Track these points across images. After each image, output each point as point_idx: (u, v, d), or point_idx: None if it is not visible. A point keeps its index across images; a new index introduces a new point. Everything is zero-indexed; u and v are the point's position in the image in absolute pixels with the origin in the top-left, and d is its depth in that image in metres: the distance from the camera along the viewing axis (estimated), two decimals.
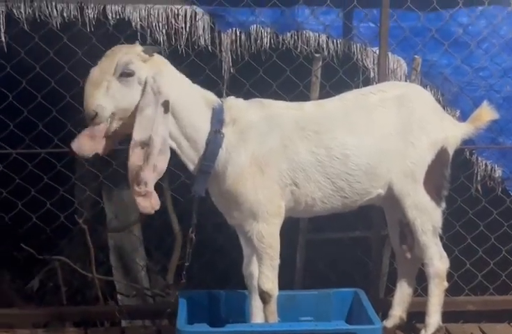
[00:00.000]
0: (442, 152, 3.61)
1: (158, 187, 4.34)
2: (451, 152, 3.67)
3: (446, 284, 3.74)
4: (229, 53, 4.20)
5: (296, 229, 4.30)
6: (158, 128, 3.19)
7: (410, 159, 3.55)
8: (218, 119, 3.33)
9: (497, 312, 4.31)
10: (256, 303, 3.68)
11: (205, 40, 4.17)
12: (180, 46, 4.14)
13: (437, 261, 3.68)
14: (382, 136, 3.51)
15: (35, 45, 4.03)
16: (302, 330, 3.37)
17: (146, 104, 3.18)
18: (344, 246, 4.63)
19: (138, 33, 4.09)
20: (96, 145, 3.20)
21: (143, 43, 4.03)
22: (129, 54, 3.19)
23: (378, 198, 3.62)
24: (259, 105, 3.46)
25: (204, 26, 4.15)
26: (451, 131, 3.64)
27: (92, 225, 4.59)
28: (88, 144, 3.20)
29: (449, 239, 4.38)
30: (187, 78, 3.36)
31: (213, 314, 3.83)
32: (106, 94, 3.16)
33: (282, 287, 3.57)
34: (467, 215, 4.40)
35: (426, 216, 3.62)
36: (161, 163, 3.24)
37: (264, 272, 3.46)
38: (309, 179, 3.43)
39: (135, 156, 3.21)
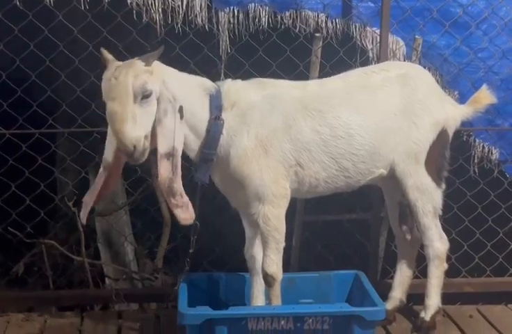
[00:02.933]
0: (442, 133, 3.61)
1: (147, 173, 4.35)
2: (450, 133, 3.67)
3: (446, 265, 3.74)
4: (227, 32, 4.12)
5: (292, 211, 4.27)
6: (180, 137, 3.15)
7: (413, 139, 3.53)
8: (215, 105, 3.28)
9: (495, 293, 4.32)
10: (257, 286, 3.66)
11: (202, 19, 4.06)
12: (177, 24, 4.04)
13: (437, 243, 3.68)
14: (385, 115, 3.48)
15: (29, 23, 3.93)
16: (305, 312, 3.35)
17: (163, 114, 3.13)
18: (342, 228, 4.61)
19: (134, 11, 3.98)
20: None
21: (139, 21, 3.99)
22: (139, 76, 3.07)
23: (379, 178, 3.60)
24: (259, 85, 3.40)
25: (201, 5, 4.05)
26: (451, 112, 3.64)
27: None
28: None
29: (447, 221, 4.37)
30: (176, 71, 3.29)
31: (213, 296, 3.81)
32: (135, 125, 3.06)
33: None
34: (464, 197, 4.39)
35: (427, 198, 3.61)
36: None
37: (269, 255, 3.43)
38: (314, 160, 3.39)
39: (164, 169, 3.15)
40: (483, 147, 4.34)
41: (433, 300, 3.75)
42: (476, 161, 4.35)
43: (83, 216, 3.37)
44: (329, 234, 4.68)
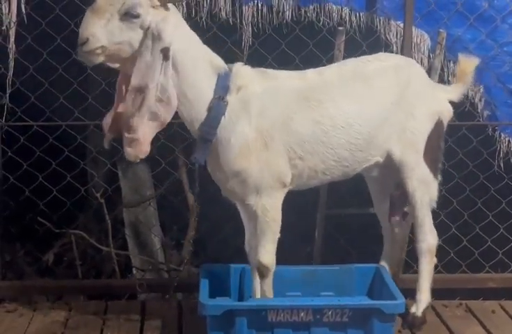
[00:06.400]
0: (438, 124, 3.62)
1: (174, 163, 4.39)
2: (445, 123, 3.67)
3: (435, 260, 3.77)
4: (251, 26, 4.14)
5: (315, 204, 4.28)
6: (155, 75, 3.11)
7: (411, 129, 3.54)
8: (222, 85, 3.25)
9: None
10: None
11: (226, 13, 4.10)
12: (201, 18, 4.08)
13: (430, 237, 3.69)
14: (382, 103, 3.48)
15: (56, 17, 4.01)
16: (324, 305, 3.36)
17: (145, 49, 3.09)
18: (365, 222, 4.60)
19: None
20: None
21: None
22: None
23: (374, 166, 3.61)
24: (263, 75, 3.38)
25: None
26: (445, 103, 3.66)
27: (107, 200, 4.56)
28: None
29: (471, 216, 4.37)
30: (197, 37, 3.27)
31: (234, 287, 3.83)
32: (104, 27, 3.05)
33: (301, 262, 3.55)
34: (489, 192, 4.38)
35: (426, 188, 3.62)
36: (164, 113, 3.17)
37: (265, 245, 3.41)
38: (314, 152, 3.39)
39: (130, 102, 3.15)
40: (509, 141, 4.30)
41: (425, 295, 3.75)
42: (501, 155, 4.31)
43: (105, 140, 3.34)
44: (351, 228, 4.69)
